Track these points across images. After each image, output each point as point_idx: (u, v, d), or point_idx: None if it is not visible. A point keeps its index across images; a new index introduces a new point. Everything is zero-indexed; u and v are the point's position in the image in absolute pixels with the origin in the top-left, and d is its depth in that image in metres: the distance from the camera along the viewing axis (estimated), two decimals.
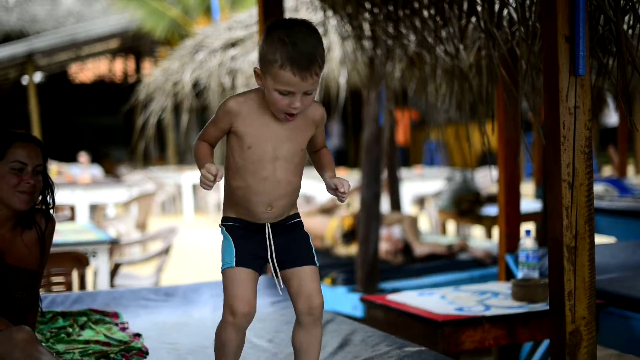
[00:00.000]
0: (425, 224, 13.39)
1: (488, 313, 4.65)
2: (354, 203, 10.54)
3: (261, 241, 3.08)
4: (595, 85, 3.94)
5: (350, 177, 13.85)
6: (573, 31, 2.95)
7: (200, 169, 2.96)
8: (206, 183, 2.92)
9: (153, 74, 9.43)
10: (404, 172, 13.98)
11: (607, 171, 22.13)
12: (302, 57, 2.84)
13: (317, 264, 3.13)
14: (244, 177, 3.02)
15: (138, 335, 4.17)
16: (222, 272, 3.06)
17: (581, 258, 3.03)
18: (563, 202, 2.99)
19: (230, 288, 3.02)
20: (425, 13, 4.98)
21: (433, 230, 11.97)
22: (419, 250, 8.18)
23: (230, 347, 3.08)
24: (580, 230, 3.03)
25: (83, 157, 16.32)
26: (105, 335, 4.08)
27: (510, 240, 5.86)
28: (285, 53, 2.84)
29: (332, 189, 3.09)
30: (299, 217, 3.20)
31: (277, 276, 3.08)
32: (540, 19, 3.25)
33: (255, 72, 2.99)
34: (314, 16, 6.53)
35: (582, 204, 3.03)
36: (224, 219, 3.13)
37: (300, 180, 3.12)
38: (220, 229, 3.13)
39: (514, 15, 4.49)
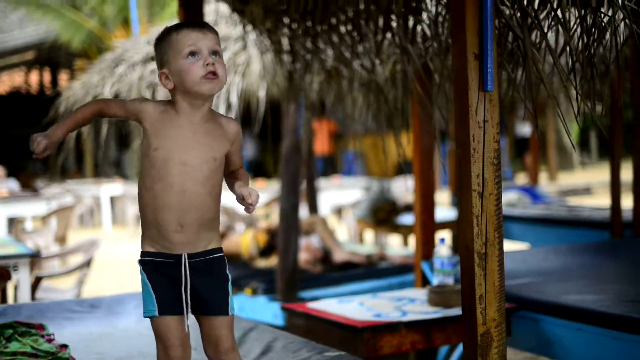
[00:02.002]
0: (343, 233, 13.56)
1: (405, 319, 4.80)
2: (273, 215, 10.65)
3: (179, 279, 2.95)
4: (506, 97, 4.14)
5: (269, 189, 13.97)
6: (482, 49, 3.11)
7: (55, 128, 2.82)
8: (36, 147, 2.78)
9: (72, 87, 9.41)
10: (322, 182, 14.14)
11: (522, 178, 22.61)
12: (194, 22, 3.00)
13: (232, 313, 3.03)
14: (151, 184, 2.90)
15: (65, 346, 4.20)
16: (149, 318, 2.97)
17: (491, 264, 3.18)
18: (473, 211, 3.14)
19: (161, 337, 2.95)
20: (343, 29, 5.11)
21: (351, 239, 12.14)
22: (339, 256, 8.31)
23: None
24: (490, 237, 3.18)
25: None
26: (32, 347, 4.10)
27: (426, 248, 6.03)
28: (175, 25, 2.95)
29: (240, 199, 2.97)
30: (221, 252, 3.05)
31: (187, 312, 2.96)
32: (451, 37, 3.40)
33: (160, 76, 2.96)
34: (234, 30, 6.64)
35: (491, 212, 3.17)
36: (141, 254, 3.01)
37: (215, 201, 2.98)
38: (139, 267, 3.01)
39: (427, 32, 4.67)
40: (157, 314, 2.92)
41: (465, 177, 3.16)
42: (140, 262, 3.00)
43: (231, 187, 3.08)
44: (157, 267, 2.96)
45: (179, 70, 2.90)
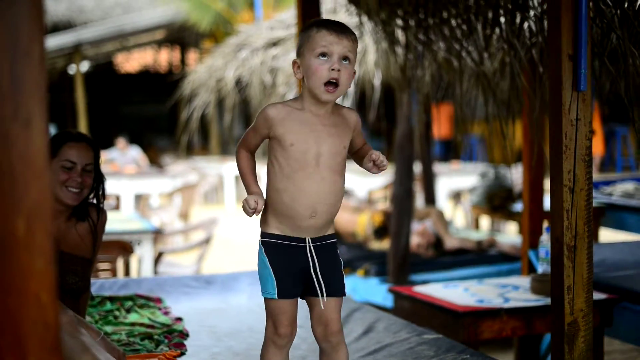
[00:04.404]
0: (460, 218, 13.61)
1: (507, 305, 4.93)
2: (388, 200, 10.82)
3: (301, 260, 3.10)
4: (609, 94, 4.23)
5: (385, 173, 14.13)
6: (576, 51, 3.23)
7: (246, 189, 3.12)
8: (246, 211, 3.05)
9: (197, 70, 9.75)
10: (440, 167, 14.22)
11: None
12: (335, 23, 3.06)
13: (345, 294, 3.21)
14: (289, 177, 3.07)
15: (179, 319, 4.49)
16: (264, 298, 3.14)
17: (580, 256, 3.31)
18: (564, 205, 3.27)
19: (274, 316, 3.11)
20: (453, 22, 5.25)
21: (468, 225, 12.20)
22: (450, 243, 8.46)
23: None
24: (580, 231, 3.31)
25: (120, 143, 16.67)
26: (149, 319, 4.40)
27: (533, 237, 6.13)
28: (318, 22, 3.08)
29: (371, 162, 3.16)
30: (335, 237, 3.22)
31: (322, 294, 3.12)
32: (547, 38, 3.53)
33: (293, 64, 3.14)
34: (350, 19, 6.81)
35: (581, 207, 3.30)
36: (263, 235, 3.14)
37: (343, 185, 3.18)
38: (258, 247, 3.15)
39: (533, 27, 4.78)
40: (276, 297, 3.08)
41: (557, 173, 3.29)
42: (263, 242, 3.15)
43: (360, 161, 3.27)
44: (279, 249, 3.12)
45: (307, 67, 3.07)
